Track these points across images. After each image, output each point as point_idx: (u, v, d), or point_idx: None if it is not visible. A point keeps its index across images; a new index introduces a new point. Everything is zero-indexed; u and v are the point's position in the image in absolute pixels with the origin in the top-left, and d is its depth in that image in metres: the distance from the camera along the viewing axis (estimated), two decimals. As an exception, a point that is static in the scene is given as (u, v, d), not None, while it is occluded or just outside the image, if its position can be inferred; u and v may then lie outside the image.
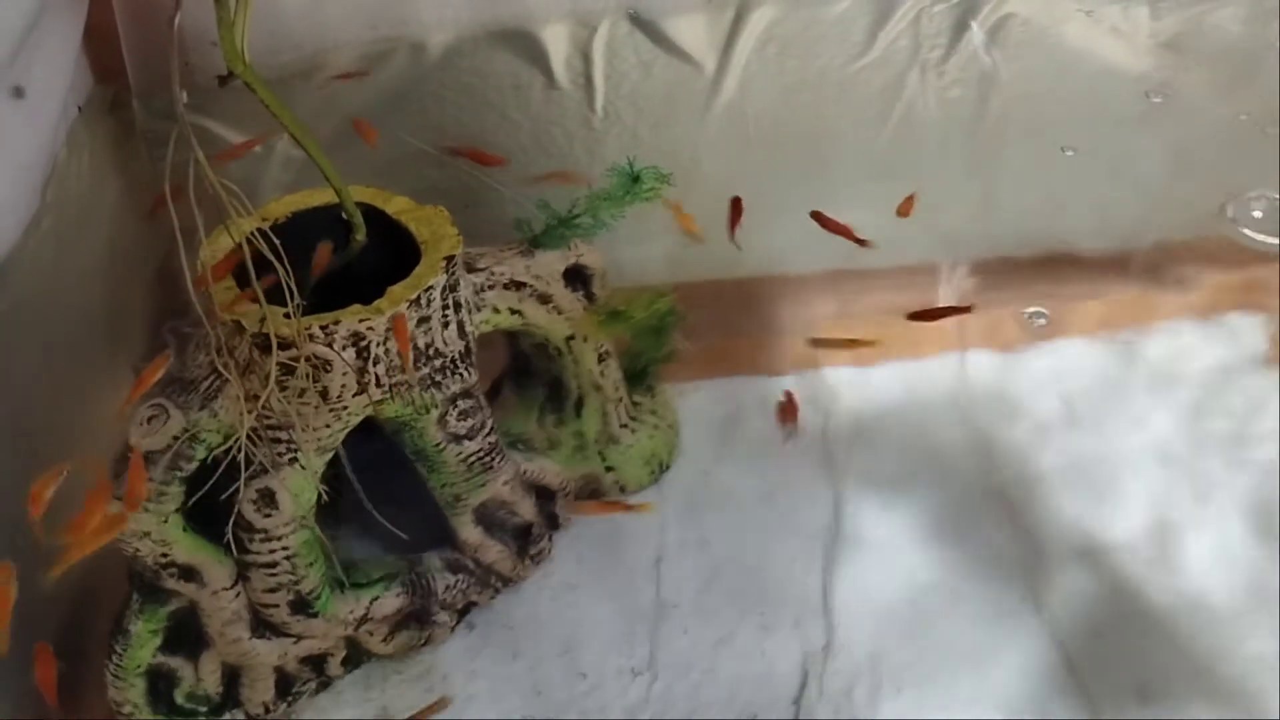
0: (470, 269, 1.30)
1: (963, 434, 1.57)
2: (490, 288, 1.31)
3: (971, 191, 1.94)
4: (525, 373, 1.47)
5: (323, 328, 1.14)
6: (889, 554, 1.43)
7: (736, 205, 1.38)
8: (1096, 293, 1.78)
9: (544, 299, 1.36)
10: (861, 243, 1.38)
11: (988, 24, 2.14)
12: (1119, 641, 1.32)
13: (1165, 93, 1.96)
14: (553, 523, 1.45)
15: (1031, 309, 1.72)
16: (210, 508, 1.17)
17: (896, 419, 1.60)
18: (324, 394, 1.17)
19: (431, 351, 1.23)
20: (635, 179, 1.36)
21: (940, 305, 1.48)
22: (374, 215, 1.28)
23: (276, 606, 1.22)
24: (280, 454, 1.18)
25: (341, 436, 1.21)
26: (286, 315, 1.11)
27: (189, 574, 1.18)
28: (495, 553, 1.36)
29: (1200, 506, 1.46)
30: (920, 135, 2.01)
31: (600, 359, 1.44)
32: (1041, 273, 1.81)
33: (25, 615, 1.26)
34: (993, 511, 1.47)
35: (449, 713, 1.30)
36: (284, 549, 1.20)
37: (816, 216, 1.42)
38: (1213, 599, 1.35)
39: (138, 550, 1.16)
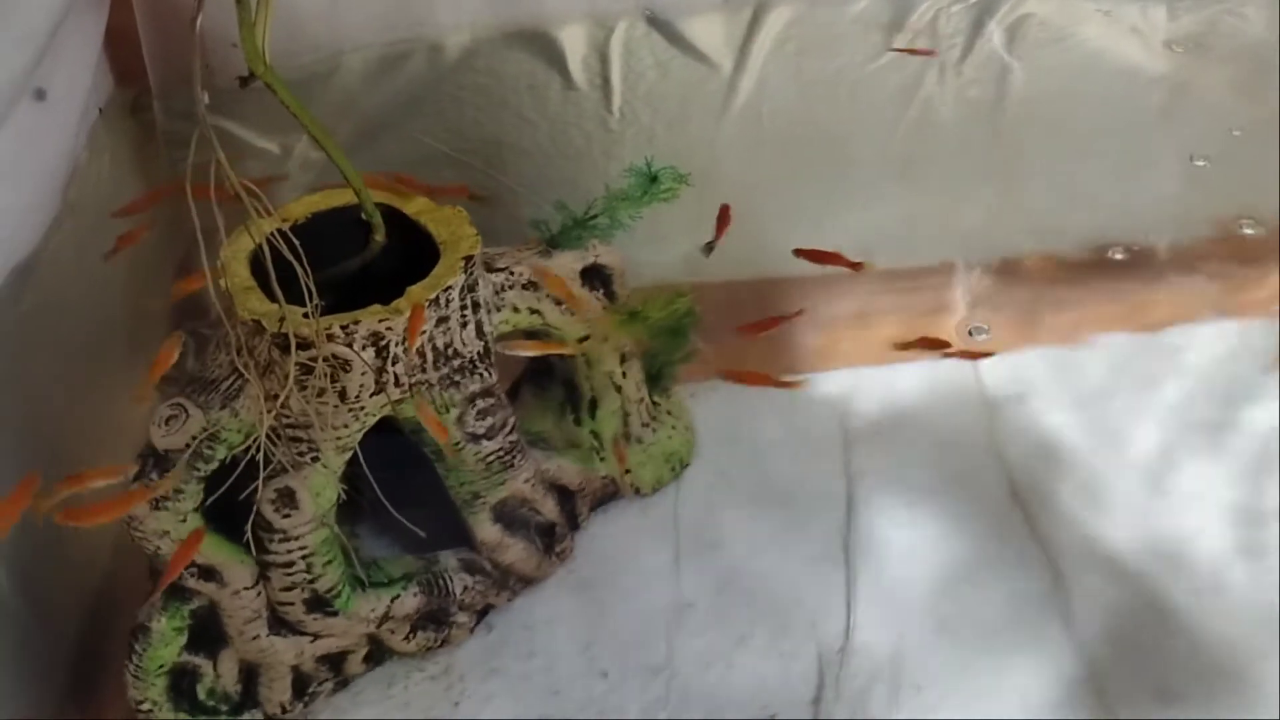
0: (489, 269, 1.30)
1: (983, 434, 1.56)
2: (510, 287, 1.32)
3: (989, 191, 1.94)
4: (544, 373, 1.47)
5: (342, 328, 1.14)
6: (908, 554, 1.42)
7: (724, 214, 1.37)
8: (1118, 292, 1.77)
9: (560, 299, 1.36)
10: (855, 266, 1.37)
11: (1005, 24, 2.13)
12: (1138, 643, 1.32)
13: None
14: (573, 522, 1.45)
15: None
16: (231, 508, 1.17)
17: (916, 418, 1.59)
18: (343, 394, 1.18)
19: (450, 352, 1.23)
20: (653, 179, 1.36)
21: (773, 316, 1.45)
22: (393, 216, 1.28)
23: (293, 604, 1.23)
24: (300, 453, 1.19)
25: (360, 436, 1.22)
26: (306, 315, 1.12)
27: (209, 574, 1.19)
28: (516, 552, 1.36)
29: (1220, 507, 1.45)
30: (937, 135, 2.00)
31: (622, 359, 1.44)
32: (1059, 271, 1.81)
33: (43, 616, 1.28)
34: (1012, 512, 1.47)
35: (465, 711, 1.30)
36: (302, 548, 1.20)
37: (800, 253, 1.40)
38: (1233, 600, 1.35)
39: (159, 549, 1.17)
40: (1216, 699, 1.26)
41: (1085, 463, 1.52)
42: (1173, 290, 1.76)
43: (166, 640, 1.21)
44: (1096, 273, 1.80)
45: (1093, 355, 1.68)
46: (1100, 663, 1.30)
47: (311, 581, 1.22)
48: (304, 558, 1.20)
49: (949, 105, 2.03)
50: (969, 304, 1.74)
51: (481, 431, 1.28)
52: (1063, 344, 1.69)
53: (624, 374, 1.44)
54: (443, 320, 1.21)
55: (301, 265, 1.09)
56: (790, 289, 1.76)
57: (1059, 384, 1.63)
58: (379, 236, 1.27)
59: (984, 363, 1.65)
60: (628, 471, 1.48)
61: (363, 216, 1.26)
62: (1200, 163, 1.93)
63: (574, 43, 2.04)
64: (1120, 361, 1.66)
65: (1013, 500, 1.48)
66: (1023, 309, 1.74)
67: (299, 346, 1.13)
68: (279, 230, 1.10)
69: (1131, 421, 1.57)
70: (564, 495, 1.43)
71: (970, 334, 1.70)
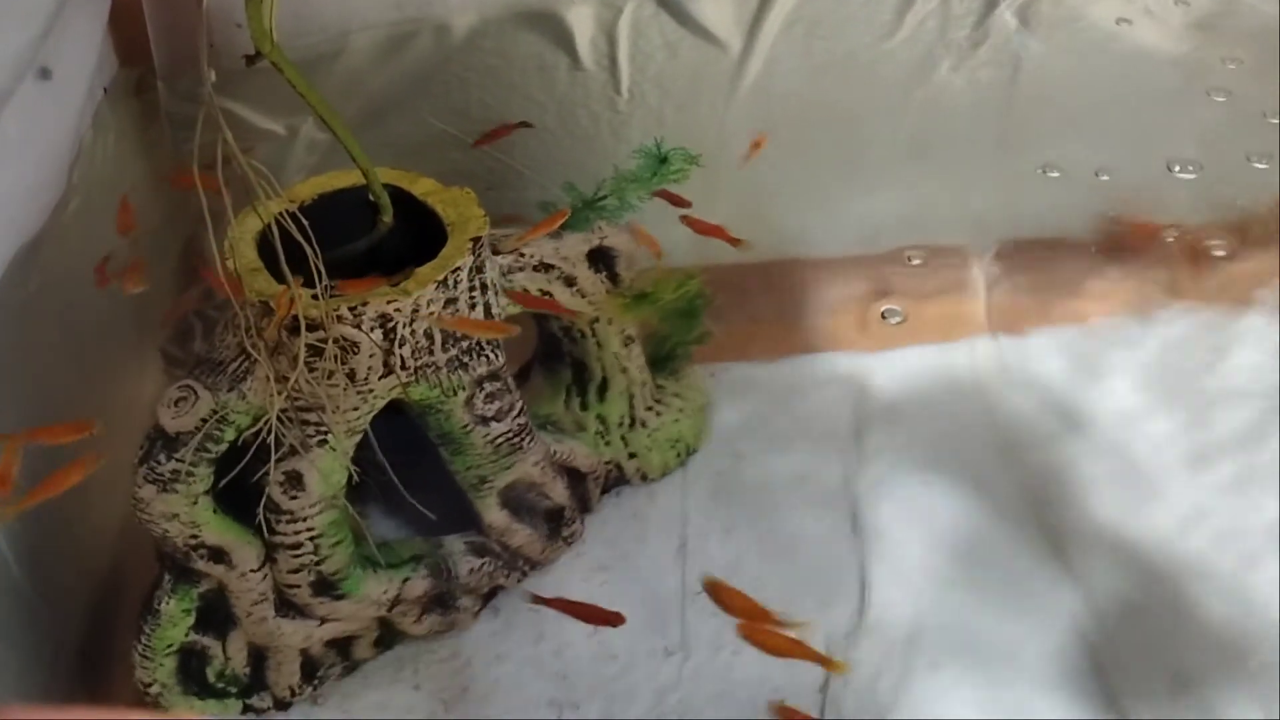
0: (497, 251, 1.29)
1: (994, 417, 1.56)
2: (519, 269, 1.31)
3: (1001, 172, 1.92)
4: (553, 355, 1.46)
5: (351, 309, 1.13)
6: (919, 537, 1.42)
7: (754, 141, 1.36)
8: (1131, 275, 1.76)
9: (569, 281, 1.35)
10: (734, 242, 1.37)
11: (1018, 3, 2.12)
12: (1151, 626, 1.31)
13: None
14: (584, 505, 1.44)
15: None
16: (237, 489, 1.17)
17: (927, 401, 1.59)
18: (351, 376, 1.17)
19: (458, 334, 1.23)
20: (662, 160, 1.36)
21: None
22: (400, 197, 1.28)
23: (299, 587, 1.23)
24: (309, 436, 1.18)
25: (369, 418, 1.21)
26: (314, 297, 1.11)
27: (218, 556, 1.18)
28: (523, 536, 1.36)
29: (1236, 490, 1.44)
30: (949, 116, 1.99)
31: (625, 343, 1.43)
32: (1072, 253, 1.80)
33: (51, 597, 1.27)
34: (1024, 495, 1.46)
35: (474, 694, 1.30)
36: (309, 530, 1.20)
37: (686, 220, 1.41)
38: (1248, 585, 1.34)
39: (166, 532, 1.16)
40: (1229, 686, 1.25)
41: (1098, 444, 1.51)
42: (1188, 274, 1.75)
43: (175, 621, 1.21)
44: (1110, 255, 1.79)
45: (1105, 339, 1.67)
46: (1114, 646, 1.29)
47: (318, 563, 1.22)
48: (311, 539, 1.20)
49: (961, 86, 2.02)
50: (982, 284, 1.73)
51: (490, 414, 1.27)
52: (1075, 326, 1.68)
53: (628, 357, 1.43)
54: (451, 302, 1.20)
55: (310, 246, 1.09)
56: (802, 270, 1.76)
57: (1070, 367, 1.63)
58: (386, 218, 1.26)
59: (997, 344, 1.65)
60: (633, 456, 1.48)
61: (370, 198, 1.25)
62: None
63: (582, 23, 2.03)
64: (1132, 345, 1.65)
65: (1024, 484, 1.48)
66: (1035, 291, 1.73)
67: (308, 328, 1.12)
68: (287, 211, 1.09)
69: (1142, 406, 1.56)
70: (575, 478, 1.42)
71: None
